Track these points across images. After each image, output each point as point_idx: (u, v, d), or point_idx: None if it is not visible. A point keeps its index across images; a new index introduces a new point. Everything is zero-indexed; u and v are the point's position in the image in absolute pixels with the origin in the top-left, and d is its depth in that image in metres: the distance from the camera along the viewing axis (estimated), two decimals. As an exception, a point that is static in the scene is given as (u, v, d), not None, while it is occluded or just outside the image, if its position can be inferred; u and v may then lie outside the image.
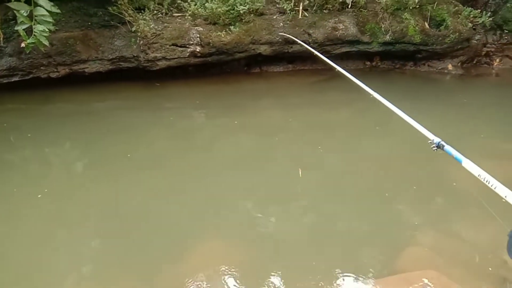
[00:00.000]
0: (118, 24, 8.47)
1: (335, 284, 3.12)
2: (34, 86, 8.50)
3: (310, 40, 9.12)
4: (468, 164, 1.80)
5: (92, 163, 5.53)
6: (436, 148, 2.04)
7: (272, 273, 3.25)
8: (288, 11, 8.96)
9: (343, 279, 3.17)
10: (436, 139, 2.07)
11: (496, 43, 10.38)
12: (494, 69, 10.53)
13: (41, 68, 8.39)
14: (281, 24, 9.01)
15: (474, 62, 10.72)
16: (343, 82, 9.44)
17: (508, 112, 7.27)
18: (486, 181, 1.65)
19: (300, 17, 9.05)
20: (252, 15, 8.81)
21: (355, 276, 3.18)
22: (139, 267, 3.36)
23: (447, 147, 1.98)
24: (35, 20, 5.68)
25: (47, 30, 5.75)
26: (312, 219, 4.08)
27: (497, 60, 10.62)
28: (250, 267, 3.34)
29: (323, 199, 4.42)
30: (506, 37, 10.22)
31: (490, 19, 9.88)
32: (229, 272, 3.25)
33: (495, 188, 1.60)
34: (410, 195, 4.36)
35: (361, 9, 9.32)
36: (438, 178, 4.70)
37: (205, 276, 3.22)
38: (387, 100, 2.63)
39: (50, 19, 5.82)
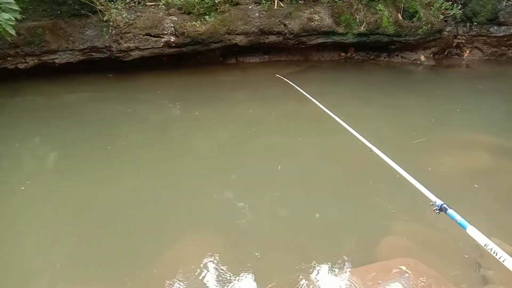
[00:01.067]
0: (89, 13, 8.21)
1: (314, 273, 3.14)
2: (1, 77, 8.17)
3: (286, 31, 9.11)
4: (473, 232, 1.61)
5: (64, 158, 5.37)
6: (438, 211, 1.83)
7: (252, 264, 3.25)
8: (264, 1, 8.91)
9: (322, 268, 3.20)
10: (439, 202, 1.85)
11: (466, 34, 10.66)
12: (464, 60, 10.82)
13: (8, 58, 8.06)
14: (257, 14, 8.95)
15: (446, 53, 11.00)
16: (318, 73, 9.57)
17: (476, 103, 7.48)
18: (494, 252, 1.48)
19: (275, 7, 9.02)
20: (227, 4, 8.71)
21: (334, 265, 3.22)
22: (120, 261, 3.29)
23: (450, 211, 1.78)
24: (0, 8, 5.42)
25: (13, 18, 5.50)
26: (289, 210, 4.09)
27: (467, 51, 10.92)
28: (230, 258, 3.33)
29: (301, 190, 4.44)
30: (475, 29, 10.50)
31: (461, 11, 10.13)
32: (210, 264, 3.23)
33: (503, 260, 1.43)
34: (388, 184, 4.42)
35: (336, 0, 9.36)
36: (414, 166, 4.78)
37: (186, 269, 3.19)
38: (385, 155, 2.49)
39: (16, 7, 5.56)
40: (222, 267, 3.22)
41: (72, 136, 5.86)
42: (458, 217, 1.72)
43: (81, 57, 8.51)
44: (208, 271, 3.18)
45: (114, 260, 3.34)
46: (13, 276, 3.20)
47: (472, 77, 9.68)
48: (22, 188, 4.42)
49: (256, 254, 3.38)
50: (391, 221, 3.78)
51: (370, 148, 2.61)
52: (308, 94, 3.76)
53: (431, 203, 1.89)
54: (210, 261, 3.28)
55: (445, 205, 1.82)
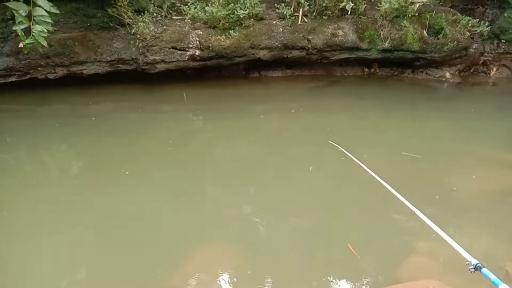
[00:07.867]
0: (117, 26, 8.44)
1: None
2: (31, 86, 8.44)
3: (310, 46, 9.13)
4: None
5: (88, 166, 5.48)
6: (473, 270, 1.94)
7: (268, 280, 3.21)
8: (288, 17, 8.97)
9: (343, 288, 3.14)
10: (474, 261, 1.96)
11: (493, 52, 10.43)
12: (491, 78, 10.58)
13: (39, 68, 8.34)
14: (281, 29, 9.01)
15: (472, 70, 10.78)
16: (340, 88, 9.54)
17: (503, 122, 7.28)
18: None
19: (299, 22, 9.06)
20: (252, 19, 8.81)
21: (353, 285, 3.15)
22: (137, 270, 3.32)
23: (484, 270, 1.88)
24: (34, 20, 5.64)
25: (45, 30, 5.71)
26: (309, 227, 4.03)
27: (494, 69, 10.68)
28: (245, 272, 3.31)
29: (321, 206, 4.38)
30: (503, 47, 10.28)
31: (488, 28, 9.94)
32: (226, 277, 3.23)
33: None
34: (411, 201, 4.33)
35: (360, 16, 9.34)
36: (438, 185, 4.68)
37: (202, 280, 3.19)
38: (428, 218, 2.50)
39: (49, 20, 5.78)
40: (236, 281, 3.20)
41: (94, 144, 5.99)
42: (492, 276, 1.81)
43: (109, 69, 8.72)
44: (224, 283, 3.17)
45: (133, 267, 3.37)
46: (33, 278, 3.27)
47: (499, 95, 9.45)
48: (45, 193, 4.52)
49: (272, 269, 3.35)
50: (413, 240, 3.69)
51: (413, 211, 2.69)
52: (356, 159, 3.90)
53: (467, 263, 1.99)
54: (225, 274, 3.28)
55: (479, 265, 1.93)
